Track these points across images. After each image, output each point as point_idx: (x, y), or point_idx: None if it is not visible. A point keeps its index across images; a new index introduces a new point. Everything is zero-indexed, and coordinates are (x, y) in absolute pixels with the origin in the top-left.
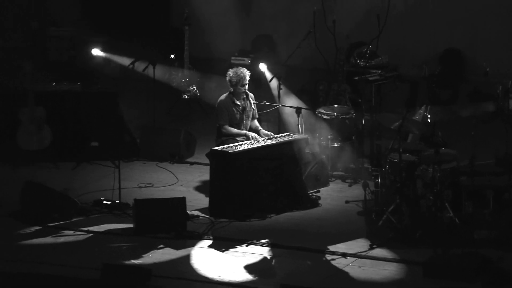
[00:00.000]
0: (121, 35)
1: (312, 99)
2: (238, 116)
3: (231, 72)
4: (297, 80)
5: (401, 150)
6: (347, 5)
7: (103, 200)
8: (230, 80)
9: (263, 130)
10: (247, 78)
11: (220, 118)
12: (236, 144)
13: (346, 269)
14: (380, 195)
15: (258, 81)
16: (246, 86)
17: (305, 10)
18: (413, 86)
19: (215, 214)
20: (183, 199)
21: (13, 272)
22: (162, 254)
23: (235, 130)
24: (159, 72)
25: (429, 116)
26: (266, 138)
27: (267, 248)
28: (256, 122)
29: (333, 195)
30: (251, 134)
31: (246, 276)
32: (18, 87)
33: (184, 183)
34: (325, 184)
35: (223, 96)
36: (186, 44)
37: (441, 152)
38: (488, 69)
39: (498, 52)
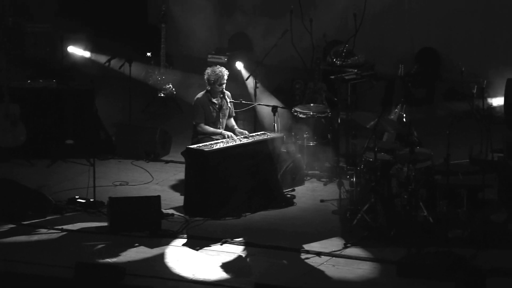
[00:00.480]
0: (97, 33)
1: (288, 98)
2: (214, 114)
3: (209, 70)
4: (273, 78)
5: (376, 149)
6: (324, 3)
7: (78, 198)
8: (208, 79)
9: (238, 129)
10: (225, 77)
11: (196, 116)
12: (212, 142)
13: (321, 268)
14: (355, 194)
15: (234, 79)
16: (224, 85)
17: (282, 9)
18: (389, 85)
19: (190, 213)
20: (158, 197)
21: None
22: (136, 253)
23: (211, 129)
24: (135, 70)
25: (404, 115)
26: (242, 136)
27: (242, 247)
28: (232, 121)
29: (308, 194)
30: (227, 133)
31: (220, 275)
32: None
33: (159, 181)
34: (301, 183)
35: (199, 94)
36: (163, 42)
37: (416, 151)
38: (463, 69)
39: (473, 51)
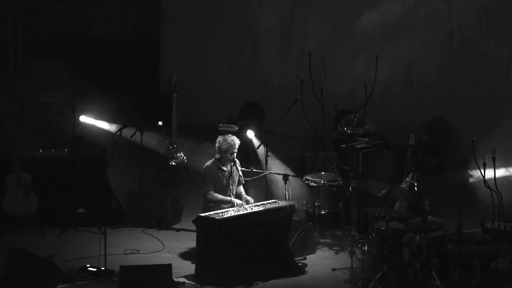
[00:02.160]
0: (110, 102)
1: (299, 166)
2: (224, 181)
3: (220, 139)
4: (284, 147)
5: (388, 218)
6: (335, 73)
7: (89, 267)
8: (219, 147)
9: (244, 195)
10: (237, 146)
11: (205, 184)
12: (223, 211)
13: None
14: (367, 262)
15: (245, 150)
16: (235, 154)
17: (293, 78)
18: (400, 154)
19: (201, 281)
20: (169, 265)
21: None
22: None
23: (221, 196)
24: (147, 139)
25: (416, 184)
26: (253, 205)
27: None
28: (241, 188)
29: (319, 262)
30: (237, 201)
31: None
32: (5, 153)
33: (170, 249)
34: (312, 251)
35: (208, 162)
36: (174, 111)
37: (428, 220)
38: (474, 138)
39: (482, 120)
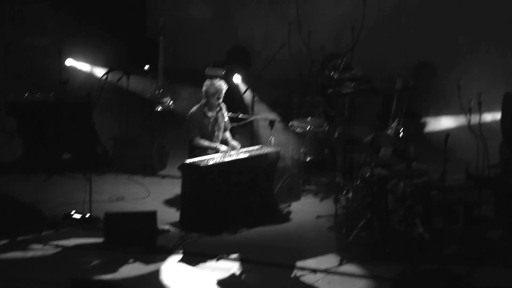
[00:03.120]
0: (96, 45)
1: (286, 112)
2: (209, 128)
3: (208, 82)
4: (271, 92)
5: (373, 164)
6: (322, 17)
7: (73, 213)
8: (206, 91)
9: (231, 141)
10: (224, 91)
11: (190, 131)
12: (208, 157)
13: (316, 285)
14: (351, 209)
15: (232, 95)
16: (222, 99)
17: (280, 22)
18: (387, 99)
19: (186, 228)
20: (154, 212)
21: None
22: (131, 269)
23: (206, 143)
24: (133, 83)
25: (401, 130)
26: (239, 151)
27: (237, 263)
28: (227, 134)
29: (304, 209)
30: (223, 147)
31: None
32: None
33: (155, 196)
34: (297, 198)
35: (194, 108)
36: (161, 54)
37: (412, 166)
38: (460, 83)
39: (469, 64)
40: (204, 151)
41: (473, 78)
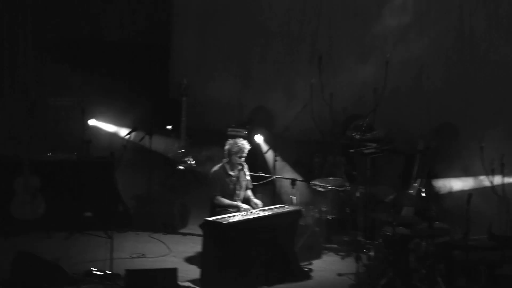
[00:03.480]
0: (119, 106)
1: (307, 171)
2: (231, 186)
3: (231, 141)
4: (292, 152)
5: (394, 223)
6: (344, 78)
7: (95, 271)
8: (229, 150)
9: (253, 199)
10: (246, 150)
11: (212, 189)
12: (230, 215)
13: None
14: (373, 268)
15: (253, 154)
16: (244, 158)
17: (302, 83)
18: (409, 159)
19: (207, 285)
20: (175, 269)
21: None
22: None
23: (227, 201)
24: (156, 143)
25: (423, 190)
26: (260, 209)
27: None
28: (249, 192)
29: (325, 267)
30: (243, 206)
31: None
32: (14, 156)
33: (176, 254)
34: (318, 256)
35: (216, 167)
36: (184, 115)
37: (434, 226)
38: (483, 144)
39: (491, 126)
40: (225, 209)
41: (495, 140)
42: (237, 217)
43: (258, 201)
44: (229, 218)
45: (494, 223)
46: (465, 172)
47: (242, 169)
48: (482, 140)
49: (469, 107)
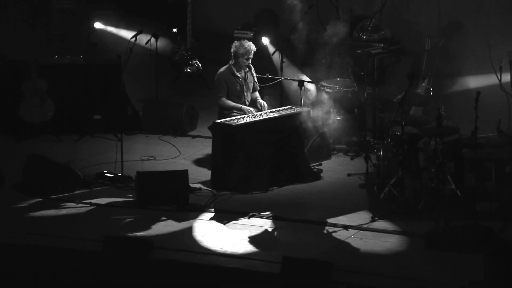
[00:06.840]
0: (124, 8)
1: (314, 73)
2: (238, 87)
3: (237, 43)
4: (299, 53)
5: (403, 123)
6: None
7: (106, 173)
8: (236, 51)
9: (259, 100)
10: (253, 51)
11: (218, 90)
12: (239, 117)
13: (348, 241)
14: (382, 167)
15: (260, 55)
16: (250, 60)
17: None
18: (416, 59)
19: (217, 187)
20: (186, 171)
21: (21, 244)
22: (164, 226)
23: (232, 103)
24: (161, 46)
25: (431, 89)
26: (269, 111)
27: (269, 221)
28: (256, 93)
29: (335, 168)
30: (247, 108)
31: (248, 248)
32: (21, 60)
33: (186, 156)
34: (327, 157)
35: (222, 68)
36: (189, 17)
37: (443, 124)
38: (491, 42)
39: (501, 23)
40: (232, 111)
41: (504, 38)
42: (246, 118)
43: (263, 102)
44: (238, 120)
45: (503, 121)
46: (473, 70)
47: (249, 70)
48: (491, 38)
49: (477, 5)
